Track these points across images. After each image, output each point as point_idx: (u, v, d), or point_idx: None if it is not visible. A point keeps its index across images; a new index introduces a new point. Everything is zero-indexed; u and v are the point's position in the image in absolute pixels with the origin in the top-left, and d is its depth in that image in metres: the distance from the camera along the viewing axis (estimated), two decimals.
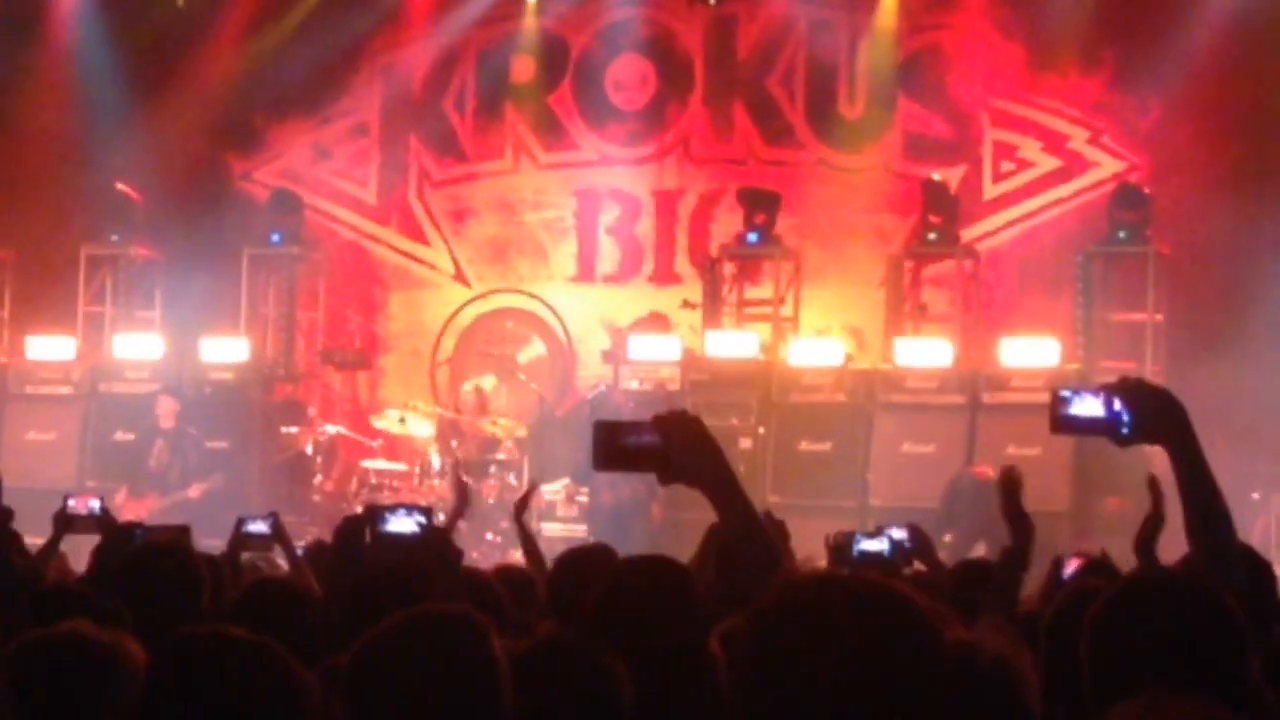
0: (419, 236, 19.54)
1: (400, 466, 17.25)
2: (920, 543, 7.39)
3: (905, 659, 2.61)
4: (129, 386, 17.39)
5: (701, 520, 3.61)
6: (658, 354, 16.97)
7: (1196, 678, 3.51)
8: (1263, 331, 15.80)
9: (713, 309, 17.41)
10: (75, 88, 19.08)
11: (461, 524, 14.07)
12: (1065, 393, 4.08)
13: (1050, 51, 17.77)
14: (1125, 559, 6.97)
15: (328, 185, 19.61)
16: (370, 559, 5.61)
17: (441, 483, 16.80)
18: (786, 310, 17.36)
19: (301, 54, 18.79)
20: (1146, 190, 16.72)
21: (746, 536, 3.85)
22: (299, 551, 7.83)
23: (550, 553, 7.65)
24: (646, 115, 19.06)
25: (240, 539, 7.70)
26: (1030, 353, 15.81)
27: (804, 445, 16.21)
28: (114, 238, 18.38)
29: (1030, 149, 18.07)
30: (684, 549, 5.79)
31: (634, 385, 16.74)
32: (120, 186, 18.28)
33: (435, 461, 16.99)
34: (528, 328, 19.10)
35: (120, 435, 17.11)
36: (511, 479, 16.91)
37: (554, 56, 19.20)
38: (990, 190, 18.12)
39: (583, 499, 16.58)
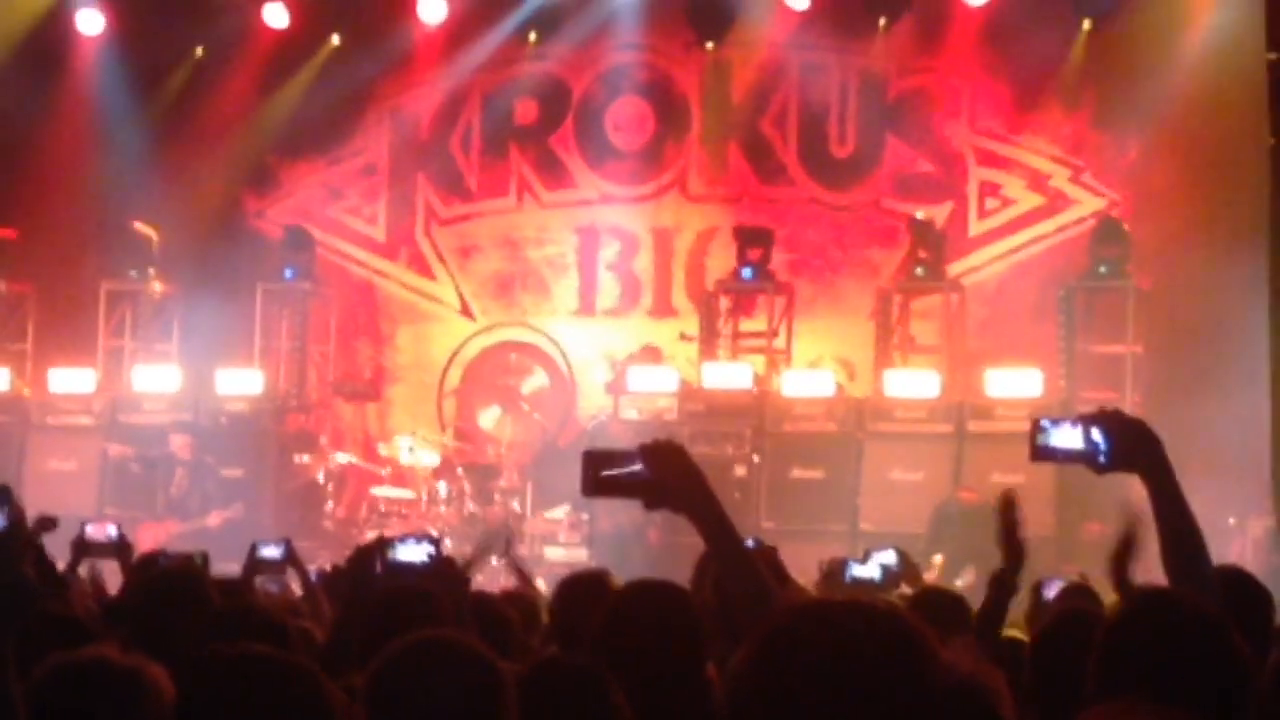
0: (426, 272, 19.71)
1: (408, 494, 17.45)
2: (907, 567, 7.62)
3: (905, 683, 2.56)
4: (147, 418, 17.62)
5: (699, 544, 3.90)
6: (656, 385, 17.20)
7: (1196, 697, 3.54)
8: (1238, 362, 16.10)
9: (709, 342, 17.68)
10: (96, 129, 19.34)
11: (469, 549, 14.51)
12: (1044, 422, 4.10)
13: (1034, 92, 18.01)
14: (1105, 583, 7.42)
15: (338, 223, 19.82)
16: (382, 586, 5.59)
17: (448, 509, 17.14)
18: (780, 342, 17.56)
19: (314, 97, 19.11)
20: (1126, 227, 16.90)
21: (730, 559, 3.91)
22: (312, 576, 7.89)
23: (551, 576, 7.81)
24: (645, 155, 19.24)
25: (254, 564, 7.75)
26: (1014, 383, 15.99)
27: (796, 473, 16.47)
28: (133, 273, 18.67)
29: (1014, 187, 18.27)
30: (681, 573, 5.92)
31: (633, 415, 16.96)
32: (138, 226, 18.55)
33: (442, 489, 17.22)
34: (531, 360, 19.23)
35: (135, 467, 17.33)
36: (515, 505, 17.22)
37: (556, 99, 19.41)
38: (976, 226, 18.31)
39: (584, 524, 16.81)
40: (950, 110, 18.49)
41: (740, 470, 16.52)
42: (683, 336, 18.19)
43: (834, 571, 7.31)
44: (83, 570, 8.11)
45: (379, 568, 5.80)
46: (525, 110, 19.58)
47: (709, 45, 18.93)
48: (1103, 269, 16.71)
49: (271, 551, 7.78)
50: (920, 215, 17.74)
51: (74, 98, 19.50)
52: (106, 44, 19.35)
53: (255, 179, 19.97)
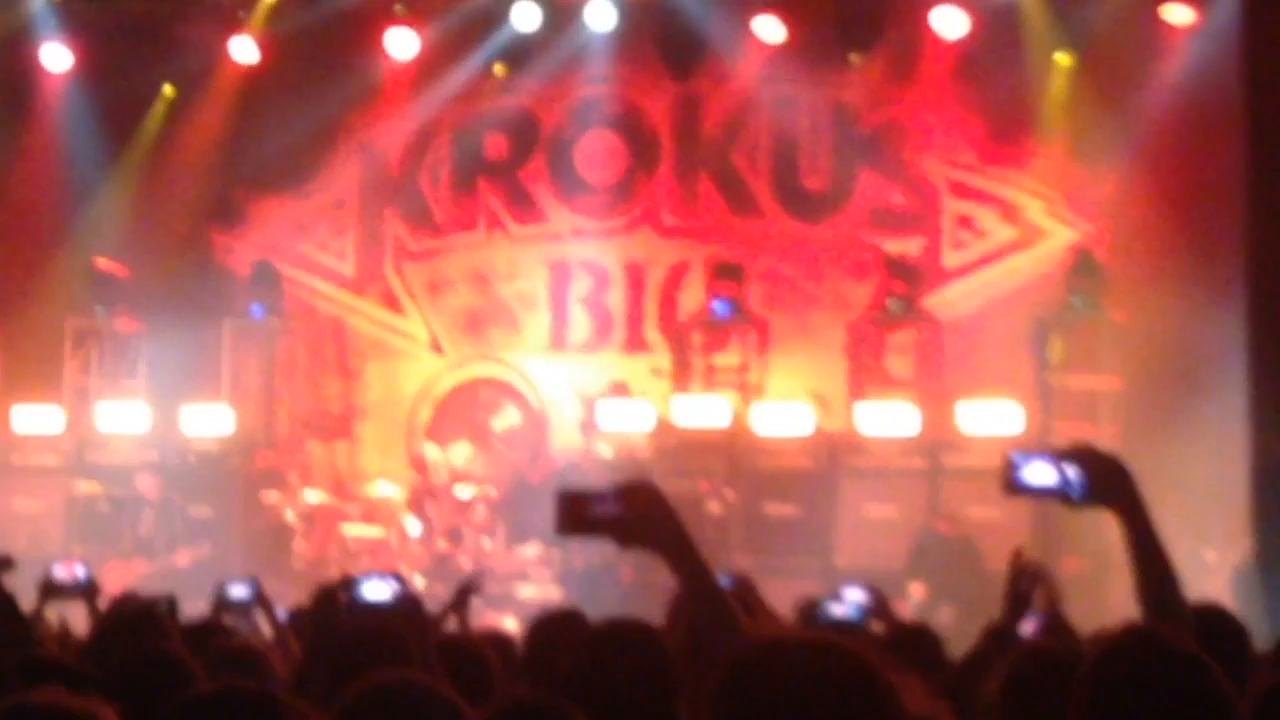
0: (396, 307, 19.59)
1: (378, 532, 17.37)
2: (879, 604, 7.61)
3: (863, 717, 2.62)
4: (114, 457, 17.51)
5: (671, 583, 3.86)
6: (629, 421, 17.14)
7: None
8: (1214, 396, 15.96)
9: (681, 376, 17.63)
10: (62, 164, 19.20)
11: (439, 587, 14.42)
12: (1016, 457, 4.10)
13: (1007, 124, 17.97)
14: (1082, 618, 7.36)
15: (307, 258, 19.67)
16: (347, 625, 5.59)
17: (420, 548, 17.08)
18: (753, 376, 17.50)
19: (281, 131, 18.91)
20: (1102, 259, 16.89)
21: (703, 600, 3.93)
22: (282, 616, 7.84)
23: (524, 614, 7.71)
24: (616, 189, 19.13)
25: (221, 604, 7.75)
26: (990, 417, 15.94)
27: (770, 508, 16.38)
28: (99, 310, 18.53)
29: (988, 219, 18.21)
30: (654, 611, 5.69)
31: (605, 452, 16.90)
32: (102, 263, 18.44)
33: (411, 527, 17.17)
34: (502, 396, 19.13)
35: (103, 506, 17.21)
36: (486, 543, 17.12)
37: (526, 132, 19.31)
38: (950, 259, 18.24)
39: (557, 561, 16.65)
40: (923, 143, 18.43)
41: (714, 506, 16.42)
42: (657, 372, 18.14)
43: (808, 611, 7.28)
44: (51, 613, 8.00)
45: (344, 606, 5.80)
46: (495, 144, 19.48)
47: (680, 78, 18.85)
48: (1078, 301, 16.67)
49: (240, 591, 7.78)
50: (892, 250, 17.71)
51: (39, 133, 19.36)
52: (73, 79, 19.19)
53: (222, 214, 19.84)
